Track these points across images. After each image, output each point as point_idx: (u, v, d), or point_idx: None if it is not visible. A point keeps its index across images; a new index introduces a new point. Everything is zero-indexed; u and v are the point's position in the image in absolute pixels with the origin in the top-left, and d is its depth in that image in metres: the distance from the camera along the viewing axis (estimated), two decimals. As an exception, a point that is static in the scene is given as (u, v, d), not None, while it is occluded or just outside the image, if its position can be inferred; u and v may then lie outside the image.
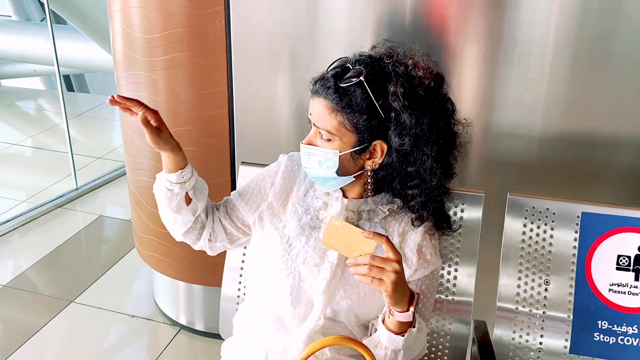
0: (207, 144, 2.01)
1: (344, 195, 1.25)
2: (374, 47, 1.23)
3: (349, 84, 1.13)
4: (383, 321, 1.13)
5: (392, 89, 1.13)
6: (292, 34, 1.75)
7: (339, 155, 1.17)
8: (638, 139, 1.64)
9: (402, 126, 1.14)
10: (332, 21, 1.71)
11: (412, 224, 1.25)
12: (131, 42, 1.96)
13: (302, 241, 1.24)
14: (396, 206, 1.25)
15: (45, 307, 2.57)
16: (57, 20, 5.20)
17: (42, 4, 5.59)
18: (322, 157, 1.18)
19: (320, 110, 1.16)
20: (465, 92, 1.69)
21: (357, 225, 1.21)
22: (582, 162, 1.70)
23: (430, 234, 1.27)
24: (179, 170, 1.24)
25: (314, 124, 1.19)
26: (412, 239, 1.24)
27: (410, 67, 1.16)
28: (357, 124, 1.15)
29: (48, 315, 2.50)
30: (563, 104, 1.64)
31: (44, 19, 5.98)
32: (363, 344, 1.00)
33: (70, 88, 6.63)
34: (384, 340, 1.13)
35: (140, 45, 1.94)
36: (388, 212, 1.25)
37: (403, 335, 1.11)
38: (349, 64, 1.17)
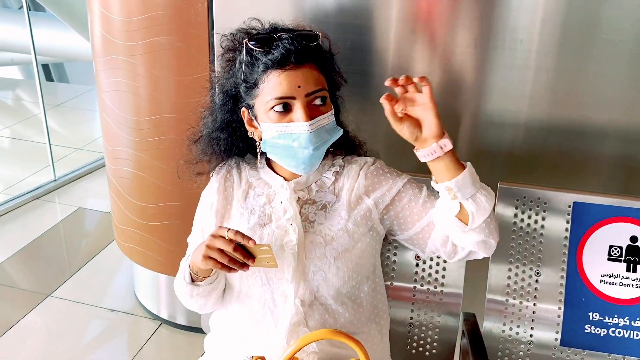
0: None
1: (285, 179, 1.23)
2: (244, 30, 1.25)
3: (315, 43, 1.15)
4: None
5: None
6: (276, 16, 1.70)
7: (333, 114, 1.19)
8: (627, 128, 1.62)
9: (339, 74, 1.24)
10: (318, 3, 1.66)
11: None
12: (110, 25, 1.89)
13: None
14: (339, 167, 1.26)
15: (21, 300, 2.49)
16: (36, 7, 5.08)
17: (19, -9, 5.47)
18: (328, 123, 1.17)
19: (309, 75, 1.14)
20: (454, 79, 1.65)
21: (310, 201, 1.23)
22: (571, 151, 1.67)
23: (367, 169, 1.26)
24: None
25: (305, 95, 1.13)
26: (358, 187, 1.23)
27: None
28: (329, 80, 1.19)
29: (24, 309, 2.43)
30: (552, 91, 1.61)
31: (21, 6, 5.85)
32: (351, 337, 0.96)
33: (49, 78, 6.50)
34: (446, 193, 1.12)
35: (119, 29, 1.87)
36: (335, 177, 1.24)
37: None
38: (280, 32, 1.17)
